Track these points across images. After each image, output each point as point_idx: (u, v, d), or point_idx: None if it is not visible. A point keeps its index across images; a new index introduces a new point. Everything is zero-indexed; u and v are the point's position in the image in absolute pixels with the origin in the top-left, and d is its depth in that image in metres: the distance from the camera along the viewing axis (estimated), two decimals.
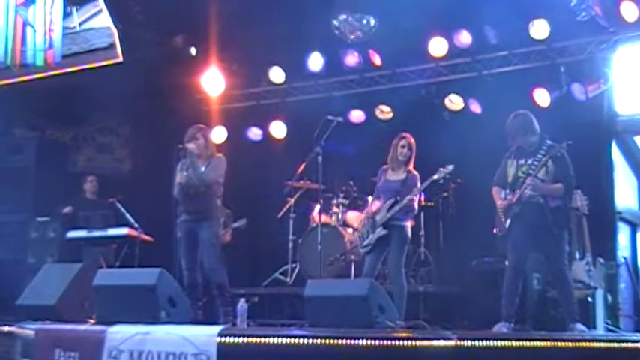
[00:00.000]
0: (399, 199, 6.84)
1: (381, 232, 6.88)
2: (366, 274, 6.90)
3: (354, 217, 9.11)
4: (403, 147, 6.99)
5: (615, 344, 4.83)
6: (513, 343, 4.62)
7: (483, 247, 7.87)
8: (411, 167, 6.99)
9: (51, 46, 8.87)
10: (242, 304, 6.38)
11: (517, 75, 9.04)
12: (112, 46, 8.64)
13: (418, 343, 4.47)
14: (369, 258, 6.98)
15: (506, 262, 6.58)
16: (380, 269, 7.62)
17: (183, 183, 6.92)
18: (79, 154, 10.93)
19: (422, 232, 8.98)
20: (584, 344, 4.75)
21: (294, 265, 9.26)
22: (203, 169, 6.93)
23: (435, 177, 6.85)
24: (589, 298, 6.89)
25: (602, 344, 4.81)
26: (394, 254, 6.83)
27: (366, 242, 7.02)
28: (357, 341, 4.52)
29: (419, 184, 6.90)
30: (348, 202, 9.33)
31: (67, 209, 8.95)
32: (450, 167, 6.86)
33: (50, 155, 9.69)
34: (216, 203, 7.05)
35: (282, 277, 9.43)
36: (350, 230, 8.97)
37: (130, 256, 8.33)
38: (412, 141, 7.02)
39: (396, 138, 7.08)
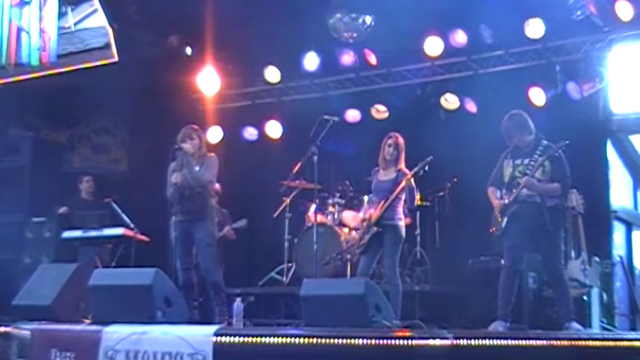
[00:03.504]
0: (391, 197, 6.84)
1: (372, 231, 6.87)
2: (360, 273, 6.90)
3: (349, 216, 9.11)
4: (389, 146, 6.98)
5: (611, 343, 4.85)
6: (509, 342, 4.63)
7: (479, 247, 7.88)
8: (401, 166, 6.95)
9: (46, 46, 8.84)
10: (238, 304, 6.39)
11: (513, 74, 9.06)
12: (107, 45, 8.60)
13: (414, 342, 4.47)
14: (364, 258, 6.98)
15: (503, 262, 6.59)
16: (376, 269, 7.62)
17: (179, 183, 6.91)
18: (74, 154, 10.91)
19: (418, 232, 8.97)
20: (579, 343, 4.76)
21: (290, 264, 9.27)
22: (197, 168, 6.93)
23: (416, 169, 6.83)
24: (585, 297, 6.91)
25: (597, 343, 4.83)
26: (388, 254, 6.82)
27: (361, 242, 7.02)
28: (353, 341, 4.53)
29: (411, 182, 6.88)
30: (343, 201, 9.34)
31: (63, 209, 8.94)
32: (429, 158, 6.82)
33: (46, 155, 9.66)
34: (211, 203, 7.05)
35: (278, 277, 9.43)
36: (346, 230, 8.97)
37: (126, 257, 8.31)
38: (400, 140, 7.00)
39: (385, 137, 7.09)
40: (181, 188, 6.90)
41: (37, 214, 9.06)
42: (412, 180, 6.81)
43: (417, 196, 7.38)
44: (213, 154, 7.15)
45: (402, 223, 6.94)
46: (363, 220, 7.16)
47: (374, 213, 6.93)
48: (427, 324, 6.15)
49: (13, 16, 8.94)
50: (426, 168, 6.81)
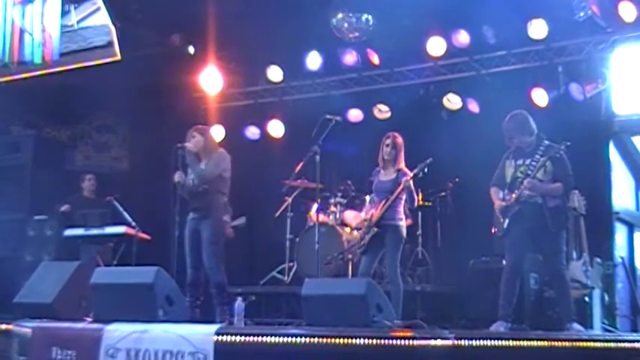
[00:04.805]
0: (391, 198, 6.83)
1: (373, 231, 6.87)
2: (362, 273, 6.89)
3: (351, 216, 9.10)
4: (387, 145, 6.96)
5: (612, 344, 4.84)
6: (510, 342, 4.63)
7: (481, 247, 7.88)
8: (401, 165, 6.93)
9: (48, 44, 8.85)
10: (239, 303, 6.40)
11: (515, 75, 9.05)
12: (109, 44, 8.60)
13: (416, 342, 4.47)
14: (365, 258, 6.97)
15: (504, 262, 6.59)
16: (377, 268, 7.62)
17: (181, 182, 6.93)
18: (76, 152, 10.92)
19: (419, 232, 8.98)
20: (581, 344, 4.75)
21: (291, 264, 9.27)
22: (203, 166, 6.94)
23: (415, 171, 6.81)
24: (586, 298, 6.89)
25: (599, 344, 4.82)
26: (389, 254, 6.81)
27: (362, 243, 7.02)
28: (354, 340, 4.53)
29: (410, 184, 6.86)
30: (345, 201, 9.33)
31: (65, 207, 8.94)
32: (429, 160, 6.81)
33: (47, 153, 9.65)
34: (219, 200, 7.02)
35: (279, 276, 9.43)
36: (347, 229, 8.96)
37: (128, 255, 8.32)
38: (398, 139, 6.97)
39: (384, 137, 7.08)
40: (187, 187, 6.94)
41: (38, 212, 9.06)
42: (411, 181, 6.80)
43: (420, 196, 7.38)
44: (221, 150, 7.15)
45: (403, 223, 6.93)
46: (364, 220, 7.15)
47: (375, 213, 6.93)
48: (428, 324, 6.15)
49: (15, 14, 8.94)
50: (426, 170, 6.80)
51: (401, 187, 6.72)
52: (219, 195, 7.01)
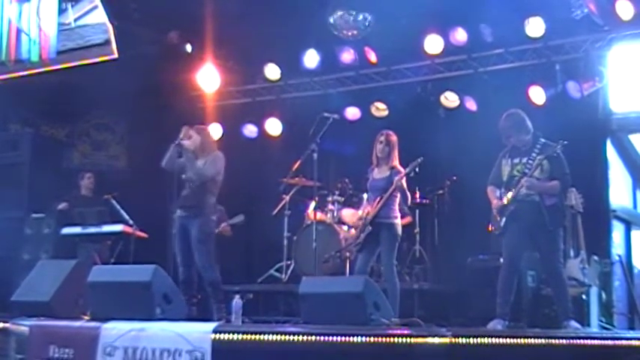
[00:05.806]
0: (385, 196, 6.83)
1: (367, 230, 6.87)
2: (358, 271, 6.89)
3: (349, 214, 9.11)
4: (381, 143, 6.96)
5: (609, 342, 4.85)
6: (508, 340, 4.64)
7: (478, 245, 7.88)
8: (394, 163, 6.93)
9: (45, 43, 8.83)
10: (237, 301, 6.40)
11: (513, 73, 9.05)
12: (107, 42, 8.58)
13: (413, 340, 4.47)
14: (360, 256, 6.97)
15: (501, 260, 6.59)
16: (375, 266, 7.62)
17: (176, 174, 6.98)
18: (74, 150, 10.90)
19: (417, 230, 8.98)
20: (578, 342, 4.76)
21: (289, 262, 9.26)
22: (201, 164, 6.95)
23: (407, 170, 6.81)
24: (583, 296, 6.90)
25: (596, 342, 4.83)
26: (385, 252, 6.81)
27: (357, 241, 7.02)
28: (351, 338, 4.53)
29: (402, 183, 6.86)
30: (343, 199, 9.33)
31: (62, 205, 8.93)
32: (420, 159, 6.79)
33: (45, 151, 9.65)
34: (209, 200, 7.01)
35: (277, 274, 9.42)
36: (345, 227, 8.97)
37: (125, 253, 8.33)
38: (392, 137, 6.97)
39: (377, 135, 7.08)
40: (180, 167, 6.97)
41: (36, 211, 9.06)
42: (404, 180, 6.79)
43: (416, 194, 7.35)
44: (218, 152, 7.15)
45: (398, 220, 6.93)
46: (360, 219, 7.15)
47: (370, 211, 6.93)
48: (426, 322, 6.13)
49: (12, 13, 8.92)
50: (417, 169, 6.79)
51: (393, 186, 6.73)
52: (209, 195, 7.01)
